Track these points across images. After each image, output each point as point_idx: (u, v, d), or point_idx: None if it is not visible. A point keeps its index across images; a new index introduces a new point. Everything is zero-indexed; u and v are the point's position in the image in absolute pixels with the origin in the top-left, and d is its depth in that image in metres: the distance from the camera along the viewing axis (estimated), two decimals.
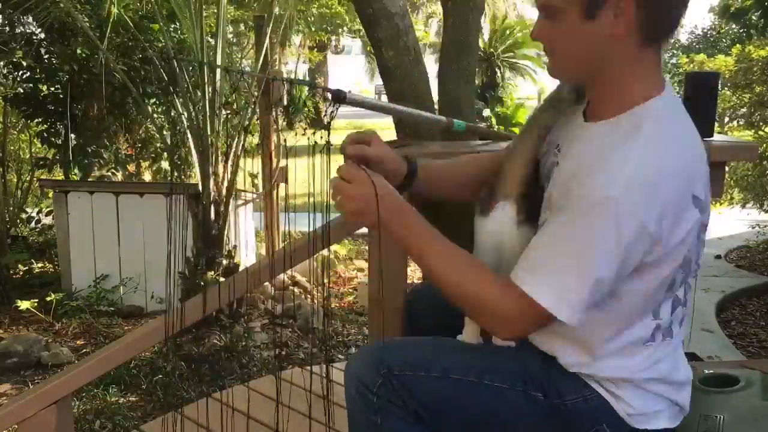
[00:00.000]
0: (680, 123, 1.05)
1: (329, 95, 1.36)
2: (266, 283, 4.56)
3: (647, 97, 1.03)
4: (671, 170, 0.97)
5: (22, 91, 5.58)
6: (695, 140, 1.05)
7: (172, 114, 5.58)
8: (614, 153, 0.98)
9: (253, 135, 5.49)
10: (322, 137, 1.23)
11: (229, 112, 4.61)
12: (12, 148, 6.27)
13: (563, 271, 0.99)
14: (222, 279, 4.16)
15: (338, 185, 1.12)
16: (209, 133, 4.39)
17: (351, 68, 19.51)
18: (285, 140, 5.40)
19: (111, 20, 4.73)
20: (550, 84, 1.41)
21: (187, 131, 4.53)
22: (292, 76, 12.23)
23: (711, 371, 1.45)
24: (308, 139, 1.29)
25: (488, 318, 1.08)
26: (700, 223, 1.03)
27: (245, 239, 5.43)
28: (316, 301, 4.84)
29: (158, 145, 6.00)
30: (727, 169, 2.73)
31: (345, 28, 10.11)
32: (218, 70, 4.51)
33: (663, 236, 0.97)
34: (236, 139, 4.63)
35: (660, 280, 1.04)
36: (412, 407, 1.14)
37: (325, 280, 4.95)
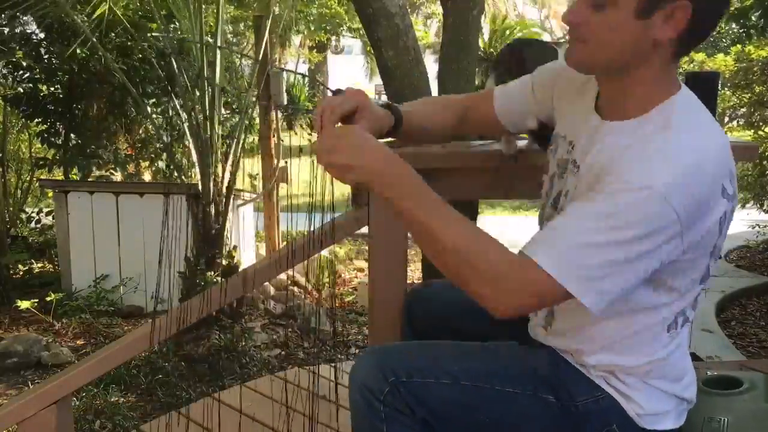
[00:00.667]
0: (705, 114, 1.05)
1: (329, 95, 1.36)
2: (266, 283, 4.56)
3: (671, 94, 1.03)
4: (706, 160, 0.96)
5: (22, 91, 5.58)
6: (720, 131, 1.05)
7: (170, 114, 5.59)
8: (651, 144, 0.97)
9: (253, 135, 5.50)
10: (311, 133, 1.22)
11: (228, 111, 4.61)
12: (12, 148, 6.28)
13: (591, 252, 0.95)
14: (222, 279, 4.16)
15: (324, 158, 1.02)
16: (209, 132, 4.39)
17: (351, 68, 19.52)
18: (282, 141, 5.40)
19: (105, 19, 4.72)
20: None
21: (187, 131, 4.53)
22: (292, 77, 12.23)
23: (714, 373, 1.45)
24: (309, 140, 1.29)
25: (490, 287, 0.99)
26: (727, 213, 1.02)
27: (245, 239, 5.43)
28: (315, 301, 4.84)
29: (158, 145, 6.00)
30: None
31: (345, 28, 10.10)
32: (218, 70, 4.52)
33: (692, 227, 0.96)
34: (236, 139, 4.64)
35: (699, 271, 1.04)
36: (420, 415, 1.12)
37: (326, 280, 4.95)
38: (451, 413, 1.13)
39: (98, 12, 4.58)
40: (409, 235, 1.70)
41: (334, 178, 1.06)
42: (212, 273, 4.29)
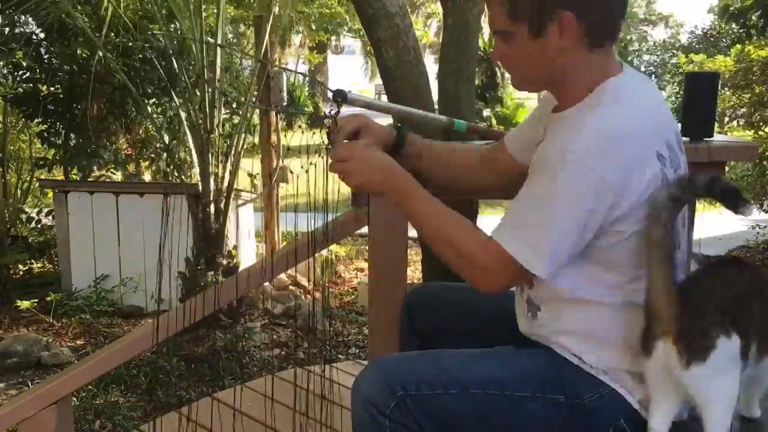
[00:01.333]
0: (640, 89, 1.12)
1: (330, 95, 1.37)
2: (266, 283, 4.56)
3: (607, 77, 1.11)
4: (628, 128, 1.03)
5: (22, 91, 5.58)
6: (655, 102, 1.12)
7: (170, 113, 5.59)
8: (575, 122, 1.06)
9: (253, 135, 5.50)
10: (316, 133, 1.25)
11: (228, 111, 4.62)
12: (12, 148, 6.27)
13: (531, 226, 1.05)
14: (222, 279, 4.16)
15: (336, 167, 1.22)
16: (209, 133, 4.39)
17: (351, 68, 19.51)
18: (279, 140, 5.40)
19: (108, 19, 4.72)
20: None
21: (187, 131, 4.53)
22: (292, 77, 12.23)
23: None
24: (318, 135, 1.31)
25: (470, 270, 1.12)
26: (669, 178, 1.07)
27: (245, 239, 5.43)
28: (314, 301, 4.84)
29: (158, 145, 6.00)
30: (727, 169, 2.72)
31: (345, 28, 10.10)
32: (218, 70, 4.52)
33: (624, 188, 1.02)
34: (236, 139, 4.64)
35: (636, 241, 1.07)
36: (428, 429, 1.10)
37: (326, 279, 4.96)
38: (461, 424, 1.11)
39: (101, 12, 4.59)
40: (409, 235, 1.70)
41: (341, 181, 1.24)
42: (212, 273, 4.29)
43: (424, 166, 1.39)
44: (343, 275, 5.96)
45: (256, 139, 5.56)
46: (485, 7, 1.18)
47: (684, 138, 1.72)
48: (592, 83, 1.10)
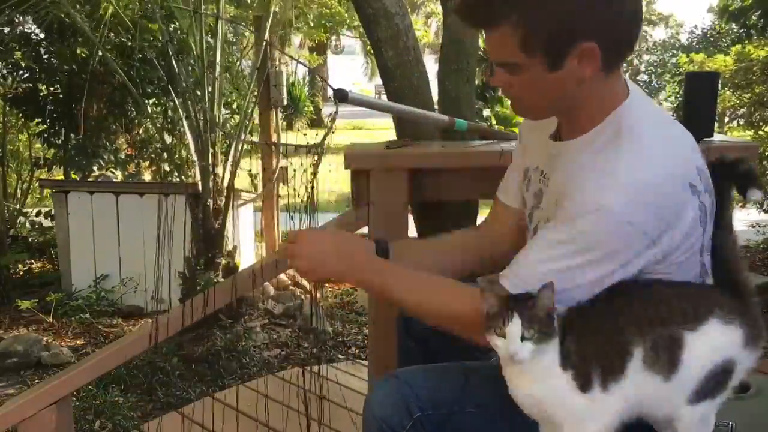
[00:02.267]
0: (657, 114, 1.06)
1: (332, 95, 1.37)
2: (266, 283, 4.56)
3: (617, 105, 1.03)
4: (663, 168, 0.97)
5: (21, 91, 5.58)
6: (675, 129, 1.06)
7: (170, 113, 5.58)
8: (599, 163, 0.98)
9: (253, 135, 5.50)
10: (317, 134, 1.25)
11: (228, 111, 4.61)
12: (12, 148, 6.27)
13: (554, 278, 0.96)
14: (222, 279, 4.16)
15: (286, 247, 1.16)
16: (209, 132, 4.39)
17: (351, 68, 19.51)
18: (279, 140, 5.39)
19: (107, 19, 4.71)
20: None
21: (187, 131, 4.53)
22: (292, 77, 12.24)
23: None
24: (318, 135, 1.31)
25: (467, 332, 1.06)
26: (706, 206, 1.01)
27: (245, 239, 5.42)
28: (311, 301, 4.84)
29: (158, 145, 6.00)
30: None
31: (345, 26, 10.09)
32: (218, 69, 4.51)
33: (665, 236, 0.96)
34: (236, 139, 4.64)
35: (692, 271, 1.03)
36: None
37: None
38: None
39: (101, 11, 4.59)
40: (409, 235, 1.70)
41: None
42: (212, 273, 4.29)
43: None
44: None
45: (256, 139, 5.56)
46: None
47: None
48: (607, 109, 1.03)
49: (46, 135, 5.63)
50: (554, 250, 0.98)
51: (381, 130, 13.48)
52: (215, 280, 4.17)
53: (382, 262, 1.15)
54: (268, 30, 4.90)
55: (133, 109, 5.81)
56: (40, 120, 5.61)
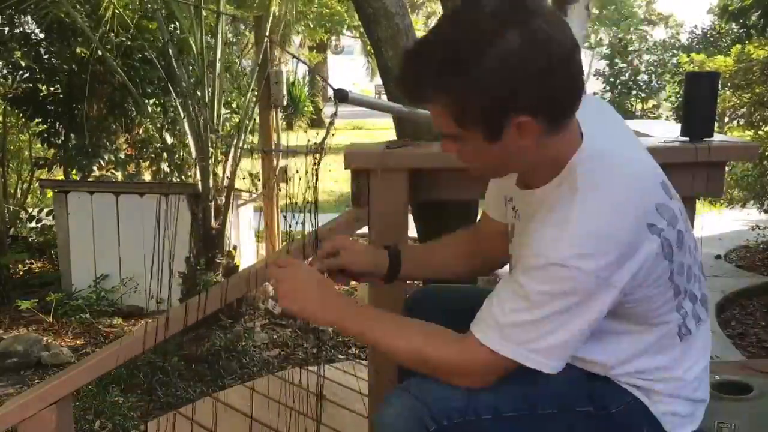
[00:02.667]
0: (611, 159, 1.04)
1: (332, 95, 1.37)
2: (266, 283, 4.56)
3: (570, 156, 1.04)
4: (616, 214, 0.98)
5: (21, 91, 5.58)
6: (634, 165, 1.05)
7: (171, 113, 5.58)
8: (555, 214, 1.00)
9: (253, 135, 5.50)
10: (317, 134, 1.25)
11: (228, 111, 4.61)
12: (12, 148, 6.27)
13: (527, 328, 0.99)
14: (222, 278, 4.16)
15: (271, 271, 1.17)
16: (209, 132, 4.39)
17: (351, 68, 19.50)
18: (279, 140, 5.39)
19: (108, 19, 4.71)
20: None
21: (187, 131, 4.53)
22: (292, 77, 12.23)
23: (721, 377, 1.45)
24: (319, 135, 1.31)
25: (454, 378, 1.07)
26: (670, 239, 1.02)
27: (245, 239, 5.42)
28: None
29: (158, 145, 6.00)
30: (727, 169, 2.72)
31: (345, 25, 10.08)
32: (218, 68, 4.51)
33: (627, 278, 0.98)
34: (236, 139, 4.64)
35: (659, 302, 1.06)
36: None
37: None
38: None
39: (101, 12, 4.58)
40: (409, 235, 1.70)
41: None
42: (212, 273, 4.29)
43: (417, 272, 1.41)
44: None
45: (256, 139, 5.56)
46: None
47: (684, 138, 1.73)
48: (561, 162, 1.04)
49: (46, 135, 5.63)
50: (519, 301, 1.00)
51: (381, 130, 13.48)
52: (215, 280, 4.17)
53: (364, 307, 1.19)
54: (268, 30, 4.90)
55: (133, 109, 5.81)
56: (40, 120, 5.61)
